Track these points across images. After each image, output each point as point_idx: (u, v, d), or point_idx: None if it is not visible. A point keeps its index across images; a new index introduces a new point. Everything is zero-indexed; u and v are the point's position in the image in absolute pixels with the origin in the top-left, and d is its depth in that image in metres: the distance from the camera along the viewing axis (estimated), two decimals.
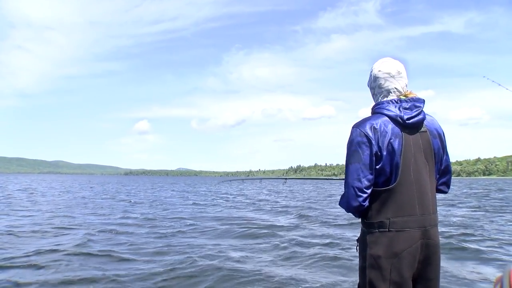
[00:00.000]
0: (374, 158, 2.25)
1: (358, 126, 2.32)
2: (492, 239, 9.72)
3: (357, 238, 2.47)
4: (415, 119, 2.30)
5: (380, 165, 2.25)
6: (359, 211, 2.32)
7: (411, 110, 2.31)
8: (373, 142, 2.24)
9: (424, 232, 2.25)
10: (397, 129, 2.27)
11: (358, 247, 2.44)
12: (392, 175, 2.25)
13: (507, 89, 3.77)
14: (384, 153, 2.24)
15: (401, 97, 2.36)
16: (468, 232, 10.71)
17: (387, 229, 2.24)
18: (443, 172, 2.49)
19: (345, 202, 2.34)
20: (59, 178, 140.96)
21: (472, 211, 17.58)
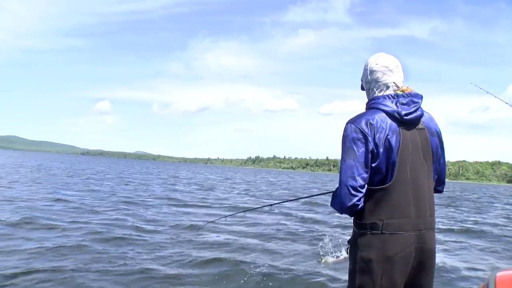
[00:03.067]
0: (370, 156, 2.11)
1: (353, 122, 2.18)
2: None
3: (348, 239, 2.31)
4: (413, 115, 2.18)
5: (376, 163, 2.12)
6: (353, 212, 2.17)
7: (409, 106, 2.19)
8: (369, 138, 2.11)
9: (419, 236, 2.12)
10: (394, 125, 2.15)
11: (348, 249, 2.29)
12: (388, 173, 2.11)
13: (495, 96, 3.77)
14: (381, 150, 2.10)
15: (398, 92, 2.24)
16: None
17: (380, 231, 2.09)
18: (441, 172, 2.38)
19: (338, 202, 2.18)
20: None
21: None
